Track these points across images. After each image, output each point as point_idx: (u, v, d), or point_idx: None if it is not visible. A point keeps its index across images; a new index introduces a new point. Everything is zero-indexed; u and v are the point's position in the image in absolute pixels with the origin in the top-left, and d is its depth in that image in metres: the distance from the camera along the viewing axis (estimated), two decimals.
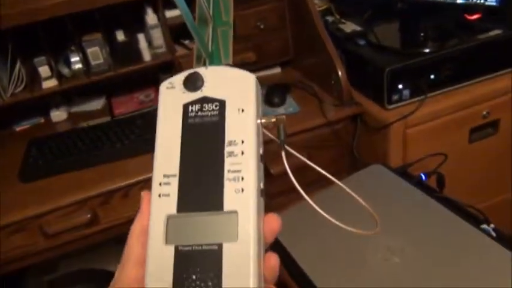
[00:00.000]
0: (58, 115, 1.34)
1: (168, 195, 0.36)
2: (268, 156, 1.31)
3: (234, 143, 0.37)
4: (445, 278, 0.77)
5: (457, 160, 1.14)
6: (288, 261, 0.88)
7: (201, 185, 0.36)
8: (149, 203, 0.36)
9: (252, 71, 1.30)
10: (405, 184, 0.97)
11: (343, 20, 1.36)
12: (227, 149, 0.37)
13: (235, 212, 0.35)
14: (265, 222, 0.36)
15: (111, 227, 1.06)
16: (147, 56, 1.27)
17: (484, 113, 1.17)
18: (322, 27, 1.22)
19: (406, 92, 1.12)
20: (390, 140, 1.12)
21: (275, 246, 0.92)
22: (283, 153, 0.41)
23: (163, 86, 0.40)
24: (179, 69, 1.30)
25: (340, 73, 1.18)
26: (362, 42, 1.24)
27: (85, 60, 1.24)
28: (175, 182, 0.36)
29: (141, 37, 1.26)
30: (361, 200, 0.45)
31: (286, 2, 1.31)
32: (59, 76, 1.24)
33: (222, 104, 0.38)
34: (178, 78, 0.40)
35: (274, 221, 0.37)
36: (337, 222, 0.43)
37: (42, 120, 1.35)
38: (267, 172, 1.28)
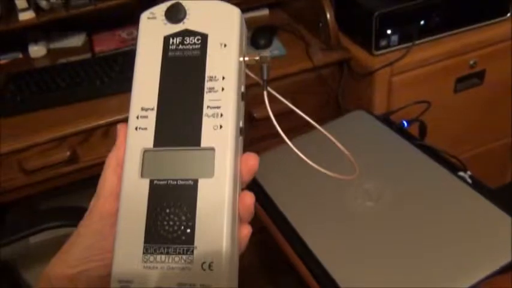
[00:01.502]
0: (37, 51, 1.29)
1: (145, 128, 0.35)
2: (252, 100, 1.29)
3: (214, 78, 0.36)
4: (421, 222, 0.79)
5: (441, 109, 1.15)
6: (265, 201, 0.89)
7: (179, 120, 0.35)
8: (125, 135, 0.36)
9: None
10: (386, 130, 0.97)
11: None
12: (207, 85, 0.36)
13: (212, 149, 0.34)
14: (243, 161, 0.36)
15: (91, 166, 1.05)
16: None
17: (471, 62, 1.15)
18: None
19: (395, 38, 1.09)
20: (375, 87, 1.11)
21: (253, 186, 0.92)
22: (265, 94, 0.40)
23: (144, 16, 0.39)
24: None
25: (328, 16, 1.14)
26: None
27: None
28: (152, 116, 0.36)
29: None
30: (340, 145, 0.45)
31: None
32: (37, 8, 1.19)
33: (204, 38, 0.37)
34: (160, 9, 0.38)
35: (251, 160, 0.36)
36: (316, 166, 0.43)
37: (21, 56, 1.30)
38: (250, 116, 1.28)
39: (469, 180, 0.86)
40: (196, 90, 0.36)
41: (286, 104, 1.29)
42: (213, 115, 0.35)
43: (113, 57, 1.19)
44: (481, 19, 1.14)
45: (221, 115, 0.35)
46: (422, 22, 1.10)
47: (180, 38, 0.37)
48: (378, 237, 0.79)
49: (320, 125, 1.11)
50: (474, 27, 1.14)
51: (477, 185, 0.85)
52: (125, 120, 0.37)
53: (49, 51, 1.31)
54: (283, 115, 1.25)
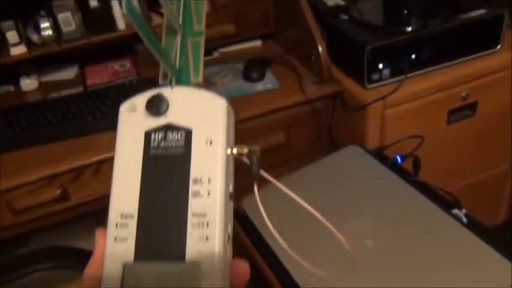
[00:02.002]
0: (28, 84, 1.28)
1: (125, 239, 0.33)
2: (244, 134, 1.28)
3: (199, 181, 0.33)
4: (416, 266, 0.78)
5: (434, 141, 1.14)
6: (260, 243, 0.88)
7: (162, 229, 0.33)
8: (104, 245, 0.33)
9: (232, 43, 1.26)
10: (380, 167, 0.97)
11: None
12: (192, 188, 0.33)
13: (198, 265, 0.32)
14: (232, 268, 0.33)
15: (81, 204, 1.03)
16: (121, 24, 1.22)
17: (463, 94, 1.16)
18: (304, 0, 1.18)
19: (387, 72, 1.10)
20: (368, 121, 1.11)
21: (247, 226, 0.90)
22: (255, 188, 0.38)
23: (124, 108, 0.36)
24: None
25: (320, 49, 1.15)
26: (344, 17, 1.20)
27: (56, 26, 1.18)
28: (133, 224, 0.33)
29: (115, 4, 1.20)
30: (334, 230, 0.42)
31: None
32: (28, 43, 1.18)
33: (188, 133, 0.35)
34: (141, 100, 0.36)
35: (241, 267, 0.34)
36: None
37: (12, 89, 1.29)
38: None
39: (464, 219, 0.85)
40: (180, 195, 0.33)
41: (279, 137, 1.28)
42: (198, 224, 0.32)
43: (105, 91, 1.19)
44: (471, 51, 1.15)
45: (207, 224, 0.32)
46: (413, 56, 1.10)
47: (163, 133, 0.35)
48: (371, 277, 0.77)
49: (315, 157, 1.10)
50: (465, 60, 1.15)
51: (473, 224, 0.84)
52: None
53: (41, 84, 1.30)
54: (276, 149, 1.25)
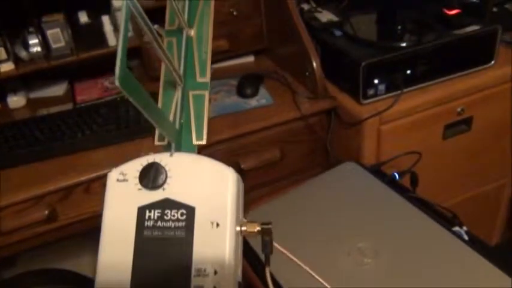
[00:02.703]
0: (16, 101, 1.25)
1: None
2: (239, 150, 1.25)
3: (204, 272, 0.28)
4: (416, 282, 0.76)
5: (430, 156, 1.13)
6: (256, 263, 0.85)
7: None
8: None
9: (224, 59, 1.23)
10: (378, 183, 0.95)
11: (319, 9, 1.31)
12: (194, 282, 0.28)
13: None
14: None
15: (70, 224, 1.00)
16: (112, 40, 1.20)
17: (459, 109, 1.15)
18: (298, 16, 1.17)
19: (382, 87, 1.09)
20: (364, 136, 1.10)
21: (247, 251, 0.86)
22: (267, 271, 0.33)
23: (113, 177, 0.30)
24: (147, 57, 1.23)
25: (314, 65, 1.14)
26: (338, 33, 1.20)
27: (45, 43, 1.16)
28: None
29: (105, 20, 1.18)
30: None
31: None
32: (16, 59, 1.16)
33: (190, 211, 0.29)
34: (133, 168, 0.30)
35: None
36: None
37: None
38: (237, 167, 1.23)
39: (465, 237, 0.84)
40: None
41: (274, 153, 1.25)
42: None
43: (95, 108, 1.16)
44: (466, 67, 1.15)
45: None
46: (408, 71, 1.09)
47: (159, 210, 0.29)
48: None
49: (311, 174, 1.08)
50: (460, 75, 1.15)
51: (474, 241, 0.82)
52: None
53: (29, 101, 1.27)
54: (271, 166, 1.22)
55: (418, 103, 1.11)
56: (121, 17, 1.04)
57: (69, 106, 1.23)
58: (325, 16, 1.27)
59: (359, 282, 0.78)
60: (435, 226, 0.85)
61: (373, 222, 0.87)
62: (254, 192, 1.11)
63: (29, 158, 1.03)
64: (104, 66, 1.29)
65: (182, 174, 0.30)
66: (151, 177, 0.29)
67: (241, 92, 1.19)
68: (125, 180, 0.30)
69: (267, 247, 0.31)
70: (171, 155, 0.30)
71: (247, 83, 1.20)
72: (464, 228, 0.85)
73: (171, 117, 0.34)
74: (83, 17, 1.19)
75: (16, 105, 1.25)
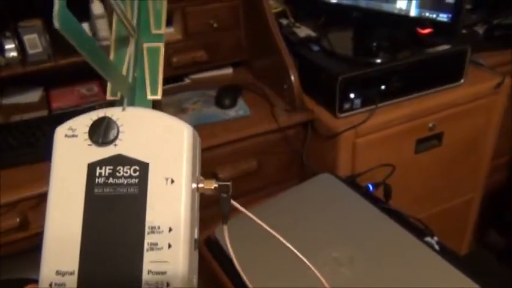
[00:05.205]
0: None
1: None
2: (216, 159, 1.25)
3: (158, 230, 0.27)
4: None
5: (403, 169, 1.16)
6: (232, 272, 0.85)
7: None
8: None
9: (203, 70, 1.24)
10: (353, 194, 0.97)
11: (297, 24, 1.34)
12: (148, 239, 0.26)
13: None
14: None
15: (42, 232, 0.98)
16: None
17: (430, 125, 1.19)
18: (277, 30, 1.19)
19: (357, 101, 1.12)
20: (340, 149, 1.12)
21: (219, 255, 0.87)
22: (225, 229, 0.32)
23: (60, 133, 0.29)
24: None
25: (292, 78, 1.16)
26: (316, 48, 1.22)
27: (21, 48, 1.15)
28: (72, 283, 0.26)
29: (85, 26, 1.18)
30: (312, 268, 0.39)
31: (241, 1, 1.27)
32: None
33: (143, 168, 0.27)
34: (82, 123, 0.29)
35: None
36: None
37: None
38: (214, 176, 1.24)
39: (437, 247, 0.86)
40: (133, 247, 0.26)
41: (251, 164, 1.25)
42: (156, 285, 0.26)
43: (71, 115, 1.13)
44: (438, 84, 1.19)
45: (167, 285, 0.26)
46: (383, 87, 1.13)
47: (111, 167, 0.27)
48: None
49: (287, 185, 1.08)
50: (432, 92, 1.19)
51: (444, 251, 0.84)
52: None
53: (2, 107, 1.24)
54: (248, 176, 1.23)
55: (391, 118, 1.14)
56: (100, 25, 1.01)
57: (44, 113, 1.21)
58: (303, 31, 1.30)
59: None
60: (408, 236, 0.87)
61: (348, 232, 0.88)
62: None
63: (1, 164, 1.00)
64: (80, 73, 1.28)
65: (135, 129, 0.28)
66: (101, 132, 0.28)
67: (219, 103, 1.20)
68: (73, 135, 0.29)
69: (225, 204, 0.31)
70: (123, 110, 0.29)
71: (226, 94, 1.21)
72: (435, 238, 0.88)
73: (124, 72, 0.32)
74: None
75: None
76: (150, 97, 0.32)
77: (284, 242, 0.36)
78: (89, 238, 0.27)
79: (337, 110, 1.11)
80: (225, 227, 0.32)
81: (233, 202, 0.32)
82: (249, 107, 1.20)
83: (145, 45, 0.34)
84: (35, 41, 1.15)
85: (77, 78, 1.30)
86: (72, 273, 0.26)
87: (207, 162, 1.11)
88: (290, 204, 0.97)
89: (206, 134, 1.10)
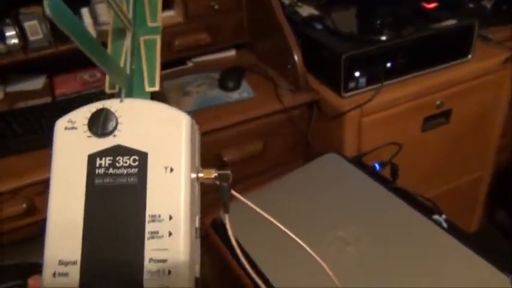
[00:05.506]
0: None
1: None
2: (221, 142, 1.24)
3: (158, 218, 0.27)
4: (398, 268, 0.77)
5: (410, 148, 1.15)
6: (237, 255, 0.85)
7: (112, 280, 0.27)
8: None
9: (205, 53, 1.22)
10: (359, 174, 0.96)
11: (299, 3, 1.32)
12: (149, 228, 0.27)
13: None
14: None
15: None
16: (91, 32, 1.18)
17: (438, 102, 1.17)
18: (279, 10, 1.17)
19: (363, 80, 1.10)
20: (345, 129, 1.11)
21: (226, 237, 0.87)
22: (226, 218, 0.33)
23: (60, 125, 0.29)
24: None
25: (296, 58, 1.14)
26: (319, 26, 1.20)
27: (22, 35, 1.14)
28: (75, 273, 0.27)
29: (85, 12, 1.17)
30: (319, 260, 0.39)
31: None
32: None
33: (142, 157, 0.28)
34: (82, 115, 0.29)
35: None
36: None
37: None
38: (219, 159, 1.23)
39: (445, 224, 0.85)
40: (134, 235, 0.27)
41: (256, 146, 1.25)
42: (158, 273, 0.26)
43: (75, 101, 1.14)
44: (445, 60, 1.17)
45: (169, 272, 0.26)
46: (388, 64, 1.11)
47: (111, 158, 0.28)
48: (354, 284, 0.75)
49: (292, 166, 1.07)
50: (439, 69, 1.16)
51: (453, 229, 0.83)
52: None
53: (6, 94, 1.24)
54: (253, 158, 1.22)
55: (398, 96, 1.12)
56: (100, 10, 1.01)
57: (47, 100, 1.21)
58: (306, 10, 1.28)
59: (340, 270, 0.78)
60: (415, 214, 0.86)
61: (355, 212, 0.88)
62: (236, 185, 1.11)
63: (7, 151, 1.01)
64: (82, 59, 1.27)
65: (133, 120, 0.29)
66: (100, 123, 0.28)
67: (223, 85, 1.19)
68: (73, 128, 0.29)
69: (225, 193, 0.31)
70: (121, 101, 0.29)
71: (229, 77, 1.20)
72: (444, 216, 0.87)
73: (121, 64, 0.33)
74: None
75: None
76: (148, 89, 0.33)
77: (284, 229, 0.35)
78: (91, 228, 0.27)
79: (342, 89, 1.09)
80: (226, 216, 0.32)
81: (233, 192, 0.32)
82: (253, 89, 1.19)
83: (141, 38, 0.34)
84: (35, 28, 1.15)
85: (79, 65, 1.30)
86: (74, 263, 0.27)
87: (212, 145, 1.10)
88: (296, 184, 0.96)
89: (210, 117, 1.09)
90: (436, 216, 0.87)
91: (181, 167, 0.28)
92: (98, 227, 0.27)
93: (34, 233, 0.99)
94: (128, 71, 0.32)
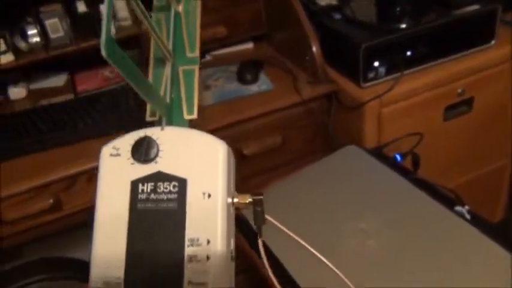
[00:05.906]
0: (17, 92, 1.25)
1: None
2: (240, 136, 1.25)
3: (197, 242, 0.28)
4: (420, 262, 0.77)
5: (431, 138, 1.13)
6: (253, 237, 0.85)
7: None
8: None
9: (223, 46, 1.23)
10: (380, 166, 0.95)
11: None
12: (188, 251, 0.28)
13: None
14: None
15: (75, 213, 1.01)
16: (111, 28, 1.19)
17: (459, 90, 1.15)
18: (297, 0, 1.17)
19: (382, 70, 1.09)
20: (365, 120, 1.10)
21: (246, 229, 0.87)
22: (260, 242, 0.34)
23: (106, 152, 0.31)
24: (146, 45, 1.23)
25: (314, 49, 1.13)
26: (337, 16, 1.19)
27: (43, 33, 1.16)
28: None
29: (102, 8, 1.18)
30: (330, 265, 0.39)
31: None
32: (15, 50, 1.15)
33: (182, 184, 0.29)
34: (125, 143, 0.31)
35: None
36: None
37: (0, 98, 1.26)
38: (239, 153, 1.23)
39: (468, 216, 0.84)
40: (175, 258, 0.28)
41: (275, 139, 1.25)
42: None
43: (96, 97, 1.16)
44: (466, 47, 1.14)
45: None
46: (408, 53, 1.09)
47: (152, 183, 0.30)
48: (376, 276, 0.75)
49: (312, 158, 1.07)
50: (460, 56, 1.14)
51: (476, 220, 0.82)
52: None
53: (30, 92, 1.27)
54: (273, 151, 1.22)
55: (418, 85, 1.11)
56: (119, 5, 1.02)
57: (70, 96, 1.23)
58: (324, 0, 1.27)
59: (361, 262, 0.78)
60: (437, 206, 0.85)
61: (376, 204, 0.87)
62: (256, 179, 1.11)
63: (32, 148, 1.03)
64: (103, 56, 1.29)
65: (173, 147, 0.30)
66: (143, 151, 0.30)
67: (241, 79, 1.19)
68: (117, 154, 0.31)
69: (259, 218, 0.32)
70: (162, 129, 0.31)
71: (247, 69, 1.20)
72: (466, 207, 0.86)
73: (161, 93, 0.35)
74: (81, 6, 1.18)
75: (17, 96, 1.25)
76: (187, 117, 0.35)
77: (303, 243, 0.36)
78: (134, 250, 0.29)
79: (361, 80, 1.08)
80: (260, 241, 0.34)
81: (267, 216, 0.34)
82: (271, 81, 1.19)
83: (180, 68, 0.36)
84: (56, 25, 1.16)
85: (100, 62, 1.31)
86: (118, 283, 0.28)
87: (231, 139, 1.10)
88: (317, 177, 0.96)
89: (229, 110, 1.09)
90: (458, 208, 0.86)
91: (218, 192, 0.29)
92: (140, 250, 0.29)
93: (63, 228, 1.02)
94: (167, 100, 0.34)
